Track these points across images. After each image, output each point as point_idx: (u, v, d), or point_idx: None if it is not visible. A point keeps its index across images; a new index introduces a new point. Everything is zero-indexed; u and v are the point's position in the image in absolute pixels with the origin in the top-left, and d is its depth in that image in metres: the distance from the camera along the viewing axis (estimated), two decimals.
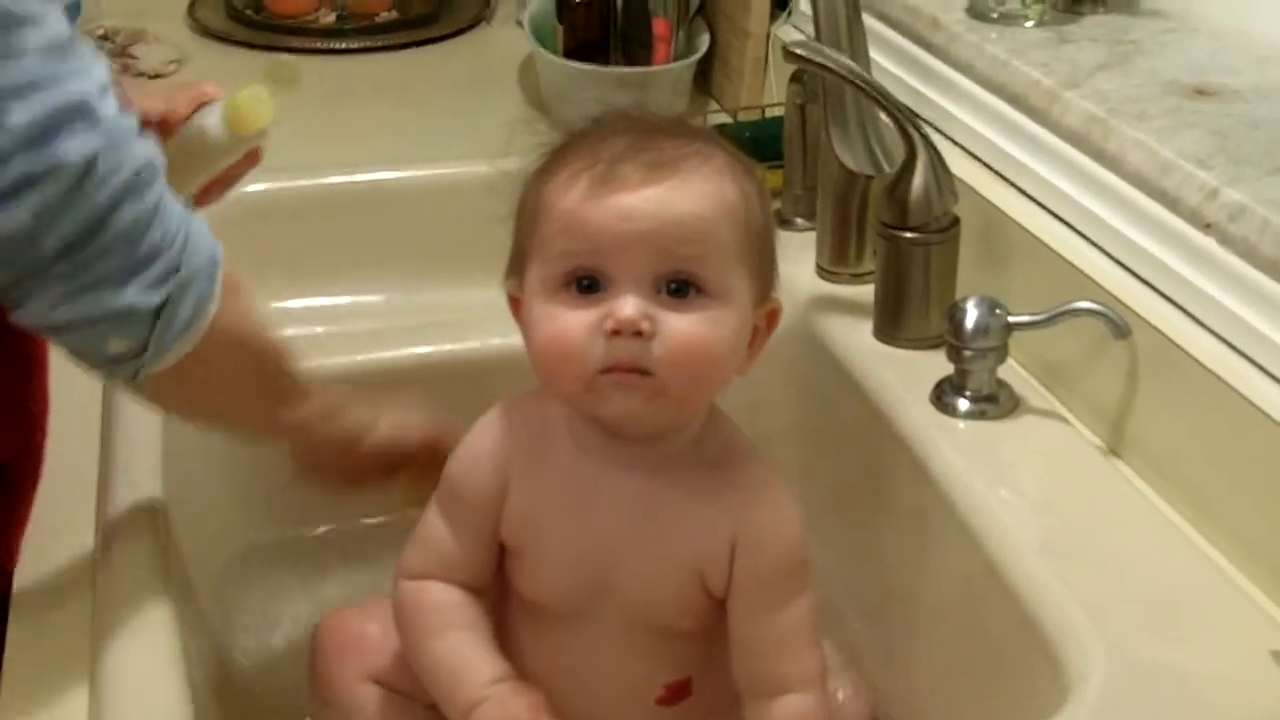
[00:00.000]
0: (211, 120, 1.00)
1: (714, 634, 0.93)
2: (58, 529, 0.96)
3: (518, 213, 0.90)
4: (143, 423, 1.03)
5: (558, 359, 0.86)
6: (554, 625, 0.94)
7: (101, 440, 1.03)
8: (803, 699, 0.91)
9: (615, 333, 0.83)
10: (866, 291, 1.19)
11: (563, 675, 0.93)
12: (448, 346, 1.21)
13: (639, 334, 0.83)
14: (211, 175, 1.03)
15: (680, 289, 0.85)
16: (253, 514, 1.19)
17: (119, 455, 1.01)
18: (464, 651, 0.92)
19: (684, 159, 0.86)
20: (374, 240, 1.40)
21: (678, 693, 0.94)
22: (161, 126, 0.99)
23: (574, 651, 0.93)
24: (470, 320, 1.19)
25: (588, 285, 0.85)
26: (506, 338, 0.98)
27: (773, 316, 0.92)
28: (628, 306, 0.83)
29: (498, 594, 0.96)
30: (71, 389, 1.06)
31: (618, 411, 0.86)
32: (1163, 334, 0.98)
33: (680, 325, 0.84)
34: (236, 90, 1.00)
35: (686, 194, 0.85)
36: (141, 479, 0.99)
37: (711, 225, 0.85)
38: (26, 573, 0.92)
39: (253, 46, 1.73)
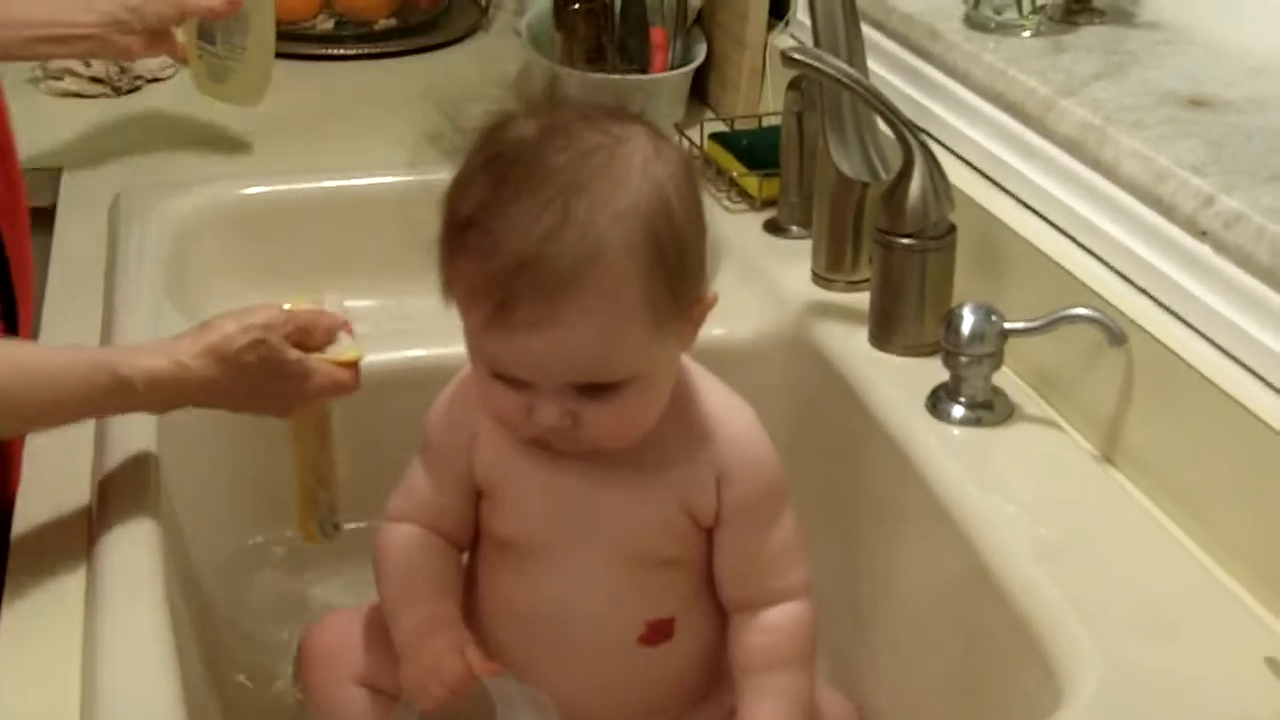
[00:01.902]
0: None
1: (697, 568, 0.96)
2: (51, 527, 0.96)
3: (439, 252, 0.89)
4: (138, 425, 1.03)
5: (500, 423, 0.92)
6: (534, 564, 0.96)
7: (95, 442, 1.03)
8: (795, 605, 0.96)
9: (539, 428, 0.89)
10: (862, 299, 1.19)
11: (545, 615, 0.95)
12: (439, 351, 1.21)
13: (563, 428, 0.88)
14: None
15: (597, 389, 0.87)
16: (247, 515, 1.19)
17: (112, 455, 1.01)
18: (406, 589, 0.96)
19: (575, 269, 0.83)
20: (367, 245, 1.40)
21: (660, 631, 0.96)
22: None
23: (556, 589, 0.95)
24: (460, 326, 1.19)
25: (513, 379, 0.88)
26: None
27: (704, 311, 0.91)
28: (547, 415, 0.88)
29: (477, 540, 0.99)
30: None
31: (567, 451, 0.91)
32: (1158, 341, 0.98)
33: (601, 418, 0.88)
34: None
35: (579, 330, 0.84)
36: (135, 483, 0.99)
37: (610, 344, 0.86)
38: (19, 574, 0.92)
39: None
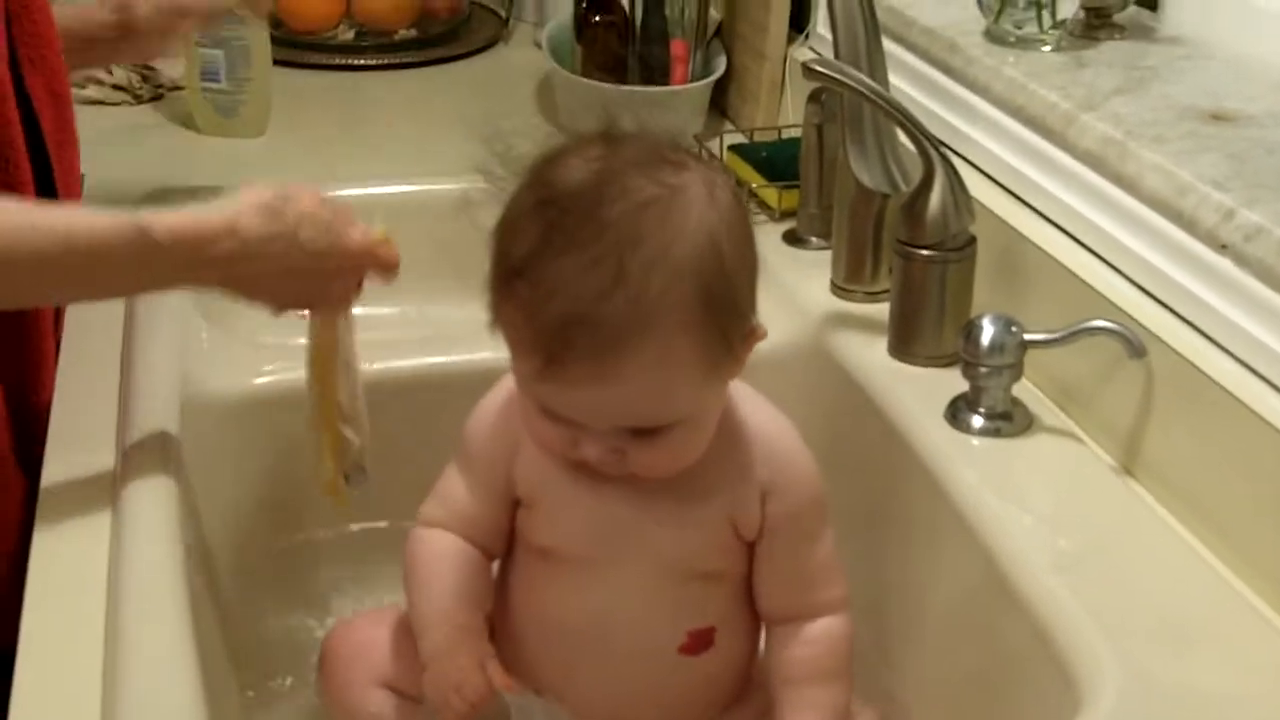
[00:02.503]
0: None
1: (738, 580, 0.96)
2: (72, 523, 0.96)
3: (487, 296, 0.88)
4: (159, 418, 1.03)
5: (544, 449, 0.92)
6: (574, 575, 0.95)
7: (117, 435, 1.03)
8: (836, 620, 0.96)
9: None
10: (881, 309, 1.20)
11: (584, 626, 0.95)
12: (461, 358, 1.22)
13: (609, 462, 0.88)
14: None
15: (646, 431, 0.88)
16: (269, 517, 1.19)
17: (135, 455, 1.01)
18: (434, 603, 0.96)
19: (628, 327, 0.82)
20: None
21: (701, 641, 0.96)
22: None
23: (597, 600, 0.94)
24: (483, 333, 1.19)
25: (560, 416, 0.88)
26: None
27: (752, 342, 0.90)
28: (593, 453, 0.88)
29: (514, 550, 0.99)
30: (89, 383, 1.07)
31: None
32: (1178, 354, 0.99)
33: (648, 455, 0.89)
34: None
35: (633, 385, 0.84)
36: (159, 482, 0.99)
37: (665, 393, 0.86)
38: (40, 568, 0.92)
39: (273, 63, 1.74)
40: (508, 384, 0.96)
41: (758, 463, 0.94)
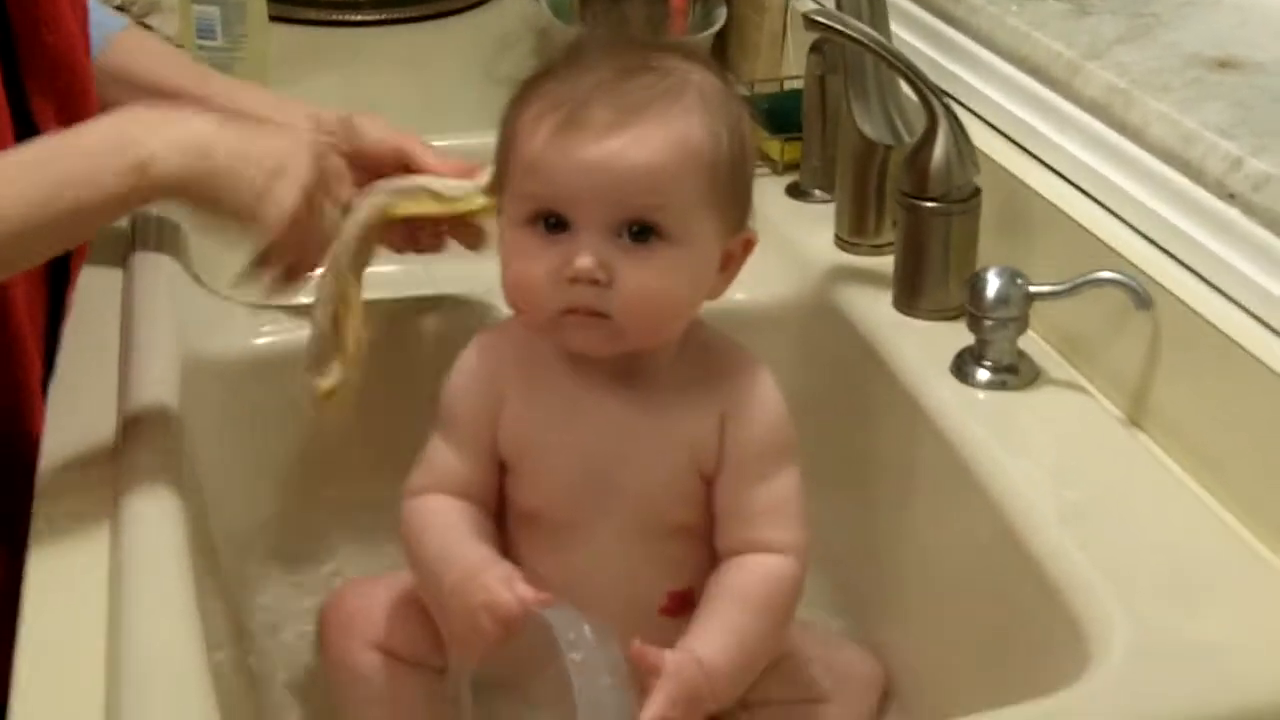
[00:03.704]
0: None
1: (710, 538, 0.96)
2: (73, 493, 0.96)
3: (499, 135, 0.93)
4: (159, 383, 1.03)
5: (524, 297, 0.91)
6: (555, 536, 0.95)
7: (118, 411, 1.03)
8: (782, 560, 0.93)
9: (574, 280, 0.88)
10: (885, 263, 1.19)
11: (566, 589, 0.92)
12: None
13: (596, 281, 0.87)
14: None
15: (640, 233, 0.88)
16: (269, 487, 1.19)
17: (136, 420, 1.01)
18: (444, 546, 0.94)
19: (650, 103, 0.88)
20: None
21: (681, 602, 0.96)
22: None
23: (577, 562, 0.94)
24: (488, 290, 1.19)
25: (554, 224, 0.89)
26: None
27: (747, 245, 0.95)
28: (584, 258, 0.87)
29: (502, 519, 0.98)
30: (89, 372, 1.06)
31: (581, 347, 0.91)
32: (1185, 304, 0.98)
33: (636, 275, 0.88)
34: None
35: (646, 145, 0.87)
36: (160, 451, 0.99)
37: (671, 175, 0.88)
38: (42, 544, 0.92)
39: (269, 18, 1.72)
40: (483, 341, 0.98)
41: (719, 390, 0.94)
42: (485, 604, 0.87)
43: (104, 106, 1.15)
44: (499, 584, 0.87)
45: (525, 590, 0.87)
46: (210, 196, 0.97)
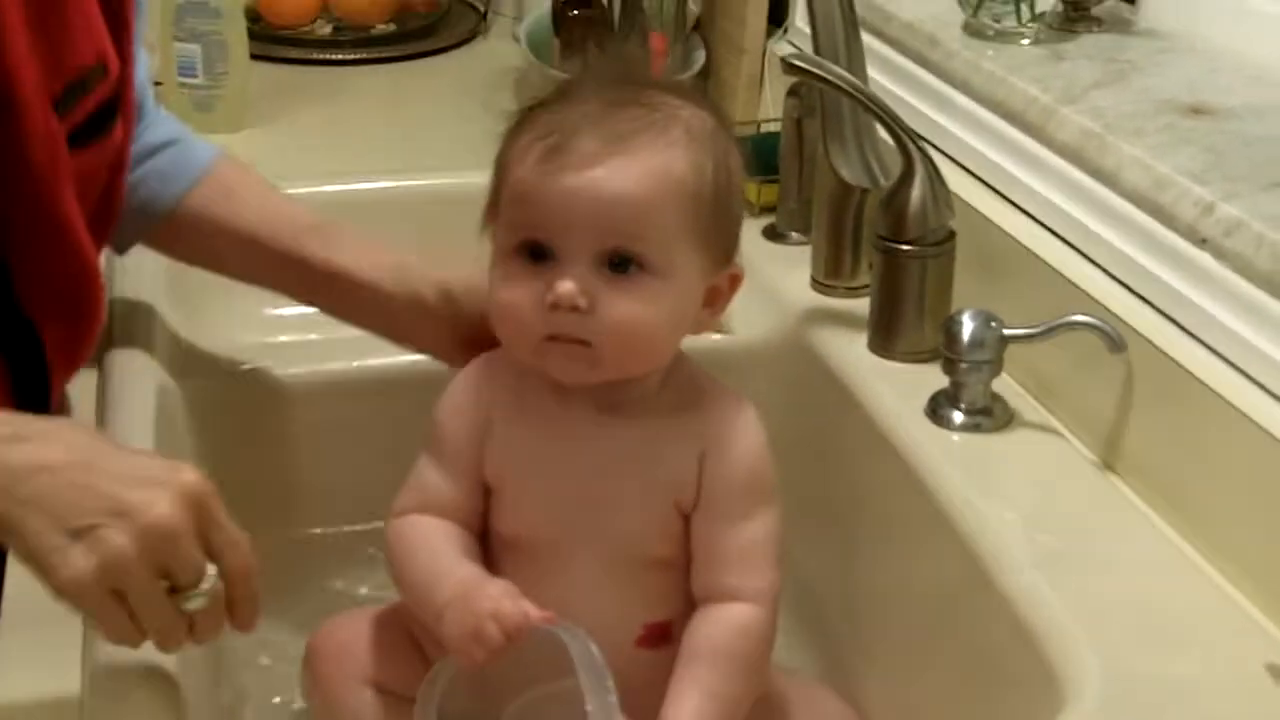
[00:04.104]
0: None
1: (689, 572, 0.96)
2: None
3: (494, 165, 0.94)
4: (138, 415, 1.03)
5: (509, 324, 0.92)
6: (534, 564, 0.95)
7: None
8: (752, 609, 0.94)
9: (555, 306, 0.88)
10: (861, 305, 1.19)
11: None
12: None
13: (577, 308, 0.88)
14: None
15: (621, 264, 0.89)
16: (247, 511, 1.18)
17: None
18: (437, 562, 0.94)
19: (634, 135, 0.89)
20: None
21: (658, 634, 0.96)
22: None
23: (554, 591, 0.94)
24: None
25: (538, 254, 0.90)
26: None
27: (734, 281, 0.95)
28: (565, 284, 0.88)
29: (485, 544, 0.98)
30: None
31: (561, 375, 0.92)
32: (1158, 348, 0.99)
33: (616, 304, 0.89)
34: None
35: (628, 175, 0.88)
36: None
37: (652, 206, 0.89)
38: (16, 579, 0.91)
39: (250, 57, 1.73)
40: (473, 368, 0.98)
41: (700, 425, 0.95)
42: (492, 613, 0.88)
43: (192, 256, 1.14)
44: (504, 595, 0.89)
45: (529, 605, 0.89)
46: (3, 535, 0.78)
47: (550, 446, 0.95)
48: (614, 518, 0.94)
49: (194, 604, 0.77)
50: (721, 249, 0.94)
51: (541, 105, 0.92)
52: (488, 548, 0.99)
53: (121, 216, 1.06)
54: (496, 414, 0.96)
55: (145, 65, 1.09)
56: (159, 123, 1.13)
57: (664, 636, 0.96)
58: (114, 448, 0.81)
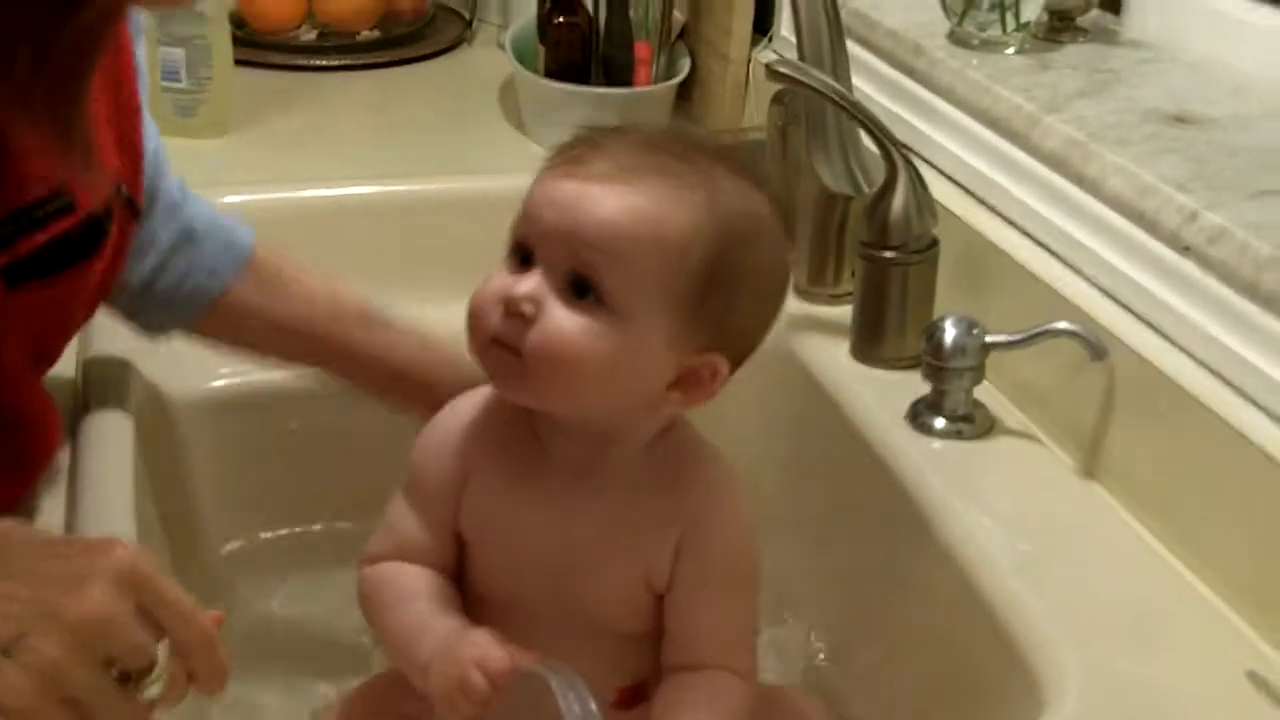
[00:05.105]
0: None
1: (660, 639, 0.92)
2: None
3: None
4: (115, 422, 1.02)
5: (471, 318, 0.87)
6: (505, 622, 0.90)
7: (72, 436, 1.02)
8: (729, 675, 0.90)
9: (506, 307, 0.85)
10: (844, 312, 1.19)
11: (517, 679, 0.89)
12: None
13: (522, 314, 0.84)
14: None
15: (582, 289, 0.84)
16: (236, 514, 1.18)
17: (91, 456, 1.00)
18: (418, 616, 0.90)
19: (651, 174, 0.85)
20: (351, 255, 1.39)
21: (632, 697, 0.94)
22: None
23: (525, 649, 0.89)
24: (447, 335, 1.18)
25: (525, 259, 0.86)
26: None
27: (714, 374, 0.88)
28: (521, 286, 0.85)
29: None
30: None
31: (495, 382, 0.89)
32: (1140, 356, 0.99)
33: (559, 321, 0.84)
34: None
35: (619, 204, 0.84)
36: (114, 480, 0.98)
37: (626, 243, 0.84)
38: None
39: (234, 62, 1.73)
40: (455, 410, 0.94)
41: (682, 505, 0.90)
42: (477, 660, 0.84)
43: (236, 344, 1.09)
44: (491, 643, 0.85)
45: (514, 649, 0.85)
46: None
47: (522, 508, 0.91)
48: (583, 588, 0.90)
49: (151, 691, 0.73)
50: (703, 331, 0.86)
51: (602, 130, 0.89)
52: (463, 597, 0.94)
53: (163, 304, 1.03)
54: (474, 465, 0.92)
55: (164, 156, 1.04)
56: (187, 203, 1.07)
57: (639, 696, 0.93)
58: (31, 542, 0.75)
